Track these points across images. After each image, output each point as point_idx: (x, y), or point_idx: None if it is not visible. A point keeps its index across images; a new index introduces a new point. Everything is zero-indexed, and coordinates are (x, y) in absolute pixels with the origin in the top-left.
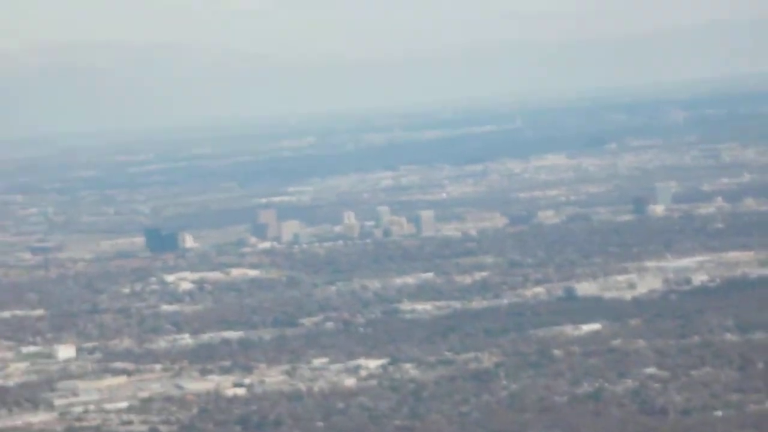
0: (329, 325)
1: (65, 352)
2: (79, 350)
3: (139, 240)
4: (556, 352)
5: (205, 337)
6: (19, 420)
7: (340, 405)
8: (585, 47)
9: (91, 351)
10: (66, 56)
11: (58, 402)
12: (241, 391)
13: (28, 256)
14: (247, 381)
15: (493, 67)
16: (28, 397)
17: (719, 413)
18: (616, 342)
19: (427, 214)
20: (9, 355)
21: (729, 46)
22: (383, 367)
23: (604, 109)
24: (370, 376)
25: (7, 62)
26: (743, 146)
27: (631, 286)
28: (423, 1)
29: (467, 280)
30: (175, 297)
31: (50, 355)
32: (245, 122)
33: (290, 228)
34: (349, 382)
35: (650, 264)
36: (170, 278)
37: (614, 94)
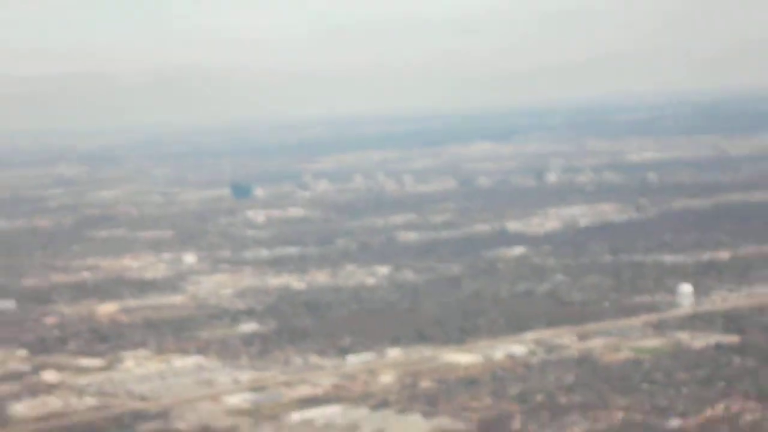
0: (353, 245)
1: (189, 258)
2: (197, 257)
3: (226, 191)
4: (500, 265)
5: (275, 251)
6: (163, 300)
7: (366, 295)
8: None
9: (205, 258)
10: None
11: (188, 288)
12: (302, 285)
13: (158, 198)
14: (306, 279)
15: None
16: (168, 286)
17: (606, 304)
18: (536, 260)
19: (408, 177)
20: (153, 260)
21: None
22: (390, 272)
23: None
24: (383, 277)
25: None
26: (602, 139)
27: (541, 225)
28: None
29: (438, 219)
30: (253, 226)
31: (179, 261)
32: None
33: (322, 185)
34: (370, 281)
35: (551, 211)
36: (249, 214)
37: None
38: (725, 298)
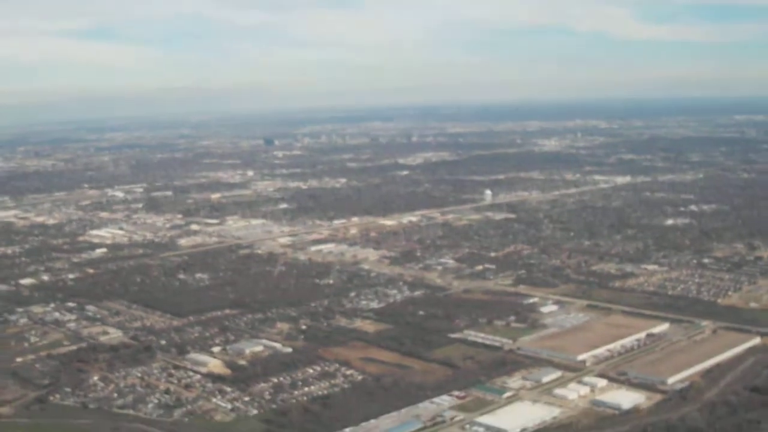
0: (326, 168)
1: (249, 173)
2: (254, 172)
3: (261, 141)
4: (397, 179)
5: (290, 170)
6: (240, 193)
7: (335, 192)
8: None
9: (257, 173)
10: None
11: (251, 187)
12: (305, 187)
13: (230, 144)
14: (307, 184)
15: None
16: (241, 186)
17: (450, 199)
18: (414, 177)
19: (347, 137)
20: (232, 173)
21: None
22: (346, 181)
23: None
24: (343, 184)
25: None
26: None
27: (414, 160)
28: None
29: (364, 156)
30: (277, 158)
31: (245, 174)
32: None
33: (306, 140)
34: (337, 185)
35: (419, 155)
36: (275, 153)
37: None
38: (504, 197)
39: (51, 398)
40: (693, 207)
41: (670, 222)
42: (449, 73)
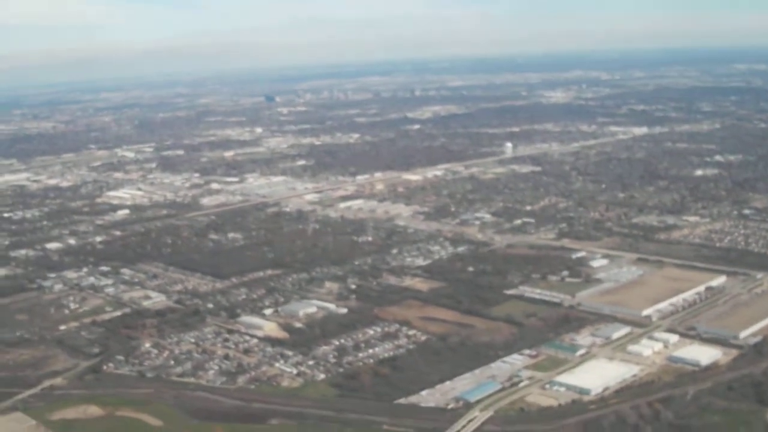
0: (336, 124)
1: (258, 130)
2: (262, 129)
3: (262, 99)
4: (411, 133)
5: (298, 126)
6: (254, 150)
7: (352, 148)
8: None
9: (266, 130)
10: None
11: (263, 144)
12: (319, 142)
13: (231, 103)
14: (320, 139)
15: None
16: (253, 143)
17: (470, 152)
18: (427, 131)
19: (348, 93)
20: (240, 131)
21: None
22: (360, 136)
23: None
24: (357, 138)
25: None
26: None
27: (422, 114)
28: None
29: (371, 111)
30: (282, 115)
31: (253, 131)
32: None
33: (308, 96)
34: (351, 141)
35: (425, 108)
36: (279, 109)
37: None
38: (525, 150)
39: (104, 367)
40: (718, 157)
41: (699, 173)
42: (441, 27)
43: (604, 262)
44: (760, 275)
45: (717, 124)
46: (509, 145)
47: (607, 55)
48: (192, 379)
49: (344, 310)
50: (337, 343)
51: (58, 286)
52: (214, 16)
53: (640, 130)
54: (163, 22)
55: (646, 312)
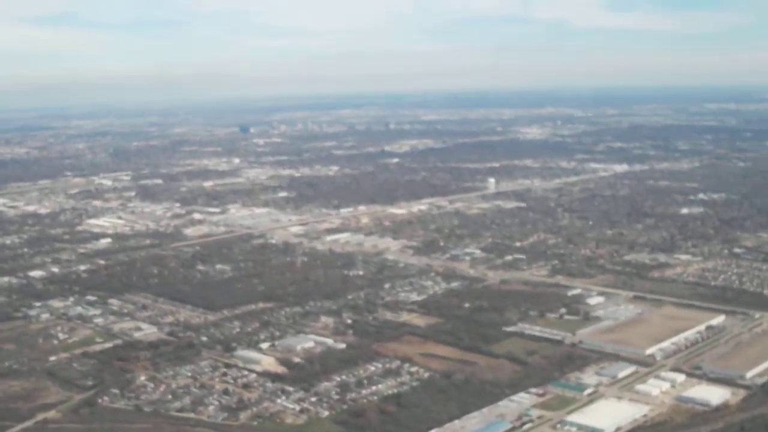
0: (313, 156)
1: (236, 160)
2: (239, 160)
3: (237, 129)
4: (390, 167)
5: (276, 157)
6: (233, 180)
7: (332, 180)
8: None
9: (243, 161)
10: None
11: (242, 175)
12: (299, 174)
13: (206, 132)
14: (300, 171)
15: None
16: (231, 174)
17: (453, 186)
18: (406, 164)
19: (323, 125)
20: (217, 161)
21: None
22: (339, 169)
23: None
24: (336, 171)
25: None
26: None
27: (400, 148)
28: None
29: (347, 144)
30: (258, 146)
31: (231, 162)
32: None
33: (283, 127)
34: (330, 173)
35: (403, 142)
36: (255, 140)
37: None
38: (507, 185)
39: (99, 401)
40: (702, 196)
41: (684, 211)
42: (412, 61)
43: (601, 299)
44: (758, 314)
45: (696, 162)
46: (492, 180)
47: (578, 92)
48: (192, 415)
49: (343, 346)
50: (338, 379)
51: (44, 316)
52: (187, 46)
53: (621, 168)
54: (134, 52)
55: (649, 351)
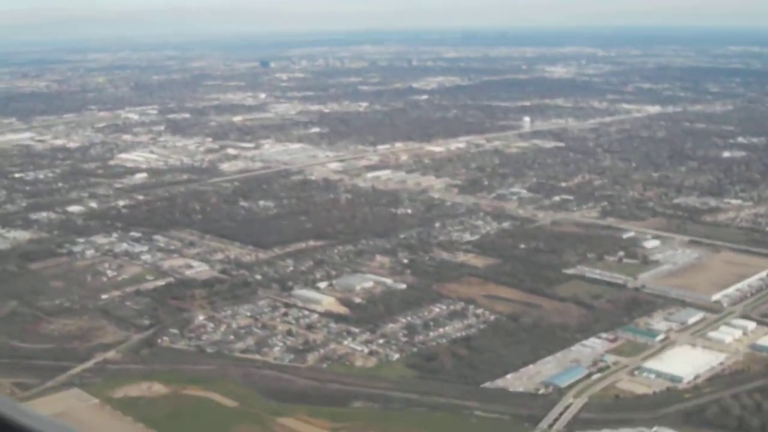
0: (339, 91)
1: (261, 95)
2: (265, 95)
3: (257, 64)
4: (420, 103)
5: (302, 93)
6: (262, 115)
7: (363, 116)
8: None
9: (269, 96)
10: None
11: (271, 110)
12: (328, 110)
13: (225, 67)
14: (328, 107)
15: None
16: (259, 109)
17: (487, 124)
18: (435, 101)
19: (344, 60)
20: (243, 95)
21: None
22: (368, 105)
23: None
24: (366, 107)
25: None
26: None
27: (427, 84)
28: None
29: (373, 80)
30: (282, 80)
31: (257, 97)
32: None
33: (303, 63)
34: (360, 109)
35: (429, 79)
36: (278, 75)
37: None
38: (541, 124)
39: (159, 341)
40: (741, 139)
41: (726, 154)
42: None
43: (657, 243)
44: None
45: (729, 105)
46: (527, 119)
47: (597, 31)
48: (257, 356)
49: (403, 286)
50: (403, 320)
51: (89, 252)
52: None
53: (654, 109)
54: None
55: (715, 297)
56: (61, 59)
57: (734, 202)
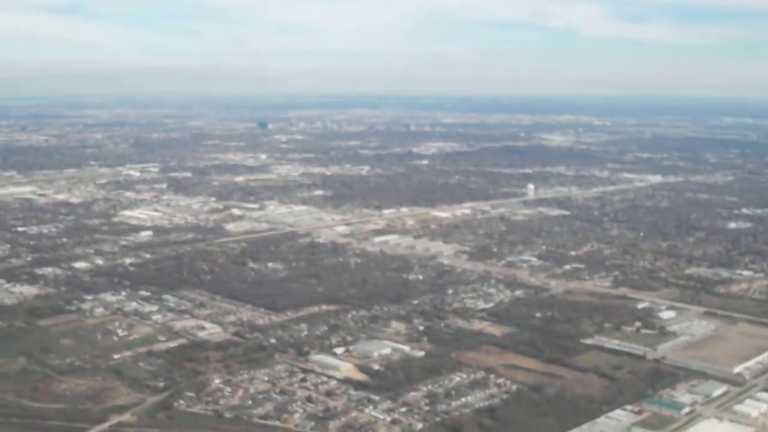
0: (340, 154)
1: (262, 156)
2: (266, 156)
3: (254, 125)
4: (422, 168)
5: (302, 155)
6: (264, 176)
7: (365, 180)
8: None
9: (269, 157)
10: None
11: (272, 171)
12: (329, 173)
13: (222, 128)
14: (330, 170)
15: None
16: (261, 170)
17: (490, 191)
18: (436, 167)
19: (341, 123)
20: (243, 156)
21: None
22: (370, 168)
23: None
24: (368, 171)
25: None
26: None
27: (427, 150)
28: None
29: (372, 144)
30: (281, 142)
31: (257, 158)
32: None
33: (301, 124)
34: (362, 173)
35: (428, 144)
36: (276, 137)
37: None
38: (545, 192)
39: (175, 404)
40: (745, 210)
41: (732, 225)
42: (425, 63)
43: (672, 314)
44: None
45: (729, 176)
46: (531, 186)
47: (591, 100)
48: (277, 422)
49: (421, 353)
50: (424, 389)
51: (98, 310)
52: (200, 41)
53: (655, 178)
54: (148, 45)
55: (737, 369)
56: (59, 114)
57: (745, 273)
